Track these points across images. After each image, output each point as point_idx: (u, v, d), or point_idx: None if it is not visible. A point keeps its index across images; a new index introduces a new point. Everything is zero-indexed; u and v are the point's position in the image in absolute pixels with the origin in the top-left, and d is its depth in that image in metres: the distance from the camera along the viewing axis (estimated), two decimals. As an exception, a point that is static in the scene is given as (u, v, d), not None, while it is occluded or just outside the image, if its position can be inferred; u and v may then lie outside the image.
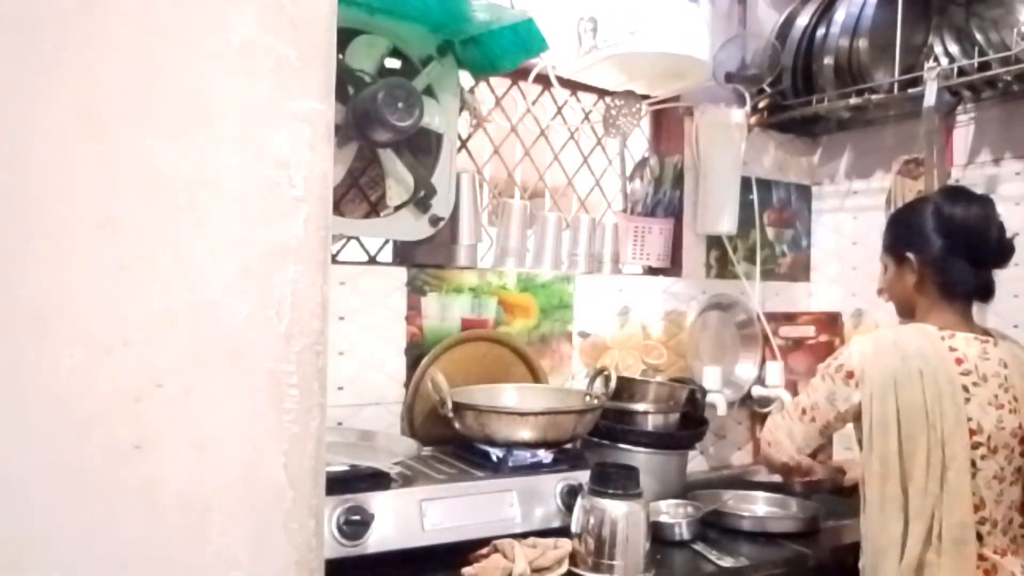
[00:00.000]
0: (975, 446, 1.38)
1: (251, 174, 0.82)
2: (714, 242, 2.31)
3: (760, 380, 2.27)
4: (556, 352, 2.01)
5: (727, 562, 1.49)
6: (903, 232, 1.56)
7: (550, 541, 1.40)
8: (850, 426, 1.54)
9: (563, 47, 1.92)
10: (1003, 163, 2.06)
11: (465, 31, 1.66)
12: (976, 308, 1.53)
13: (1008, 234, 1.50)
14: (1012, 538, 1.41)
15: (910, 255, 1.51)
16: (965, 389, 1.39)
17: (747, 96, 2.17)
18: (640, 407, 1.84)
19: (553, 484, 1.51)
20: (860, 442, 1.50)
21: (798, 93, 2.22)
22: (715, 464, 2.31)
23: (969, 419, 1.38)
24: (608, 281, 2.12)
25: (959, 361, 1.41)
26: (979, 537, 1.37)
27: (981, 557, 1.36)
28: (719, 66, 2.11)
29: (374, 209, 1.79)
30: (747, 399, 2.29)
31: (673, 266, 2.25)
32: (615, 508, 1.39)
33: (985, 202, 1.49)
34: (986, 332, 1.49)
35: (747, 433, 2.37)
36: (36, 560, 0.72)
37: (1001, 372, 1.42)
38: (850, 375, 1.46)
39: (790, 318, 2.39)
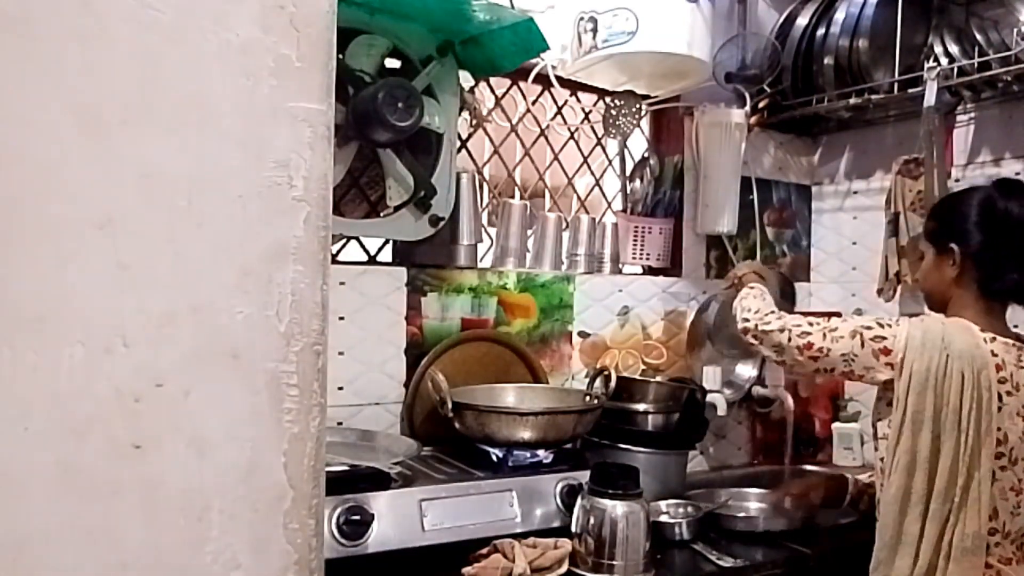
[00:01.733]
0: (997, 456, 1.34)
1: (251, 174, 0.82)
2: (714, 242, 2.30)
3: (760, 380, 2.27)
4: (556, 352, 2.01)
5: (727, 562, 1.49)
6: (949, 221, 1.46)
7: (550, 541, 1.40)
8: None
9: (563, 47, 1.92)
10: (1003, 163, 2.06)
11: (465, 31, 1.66)
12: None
13: None
14: (1019, 546, 1.38)
15: (953, 246, 1.43)
16: (999, 397, 1.34)
17: (747, 96, 2.17)
18: (640, 407, 1.84)
19: (553, 484, 1.51)
20: (874, 424, 1.47)
21: (798, 93, 2.21)
22: (715, 464, 2.31)
23: (998, 428, 1.34)
24: (608, 281, 2.12)
25: (998, 368, 1.35)
26: (987, 547, 1.34)
27: (986, 565, 1.34)
28: (719, 66, 2.11)
29: (374, 209, 1.79)
30: (747, 399, 2.28)
31: (673, 266, 2.25)
32: (615, 508, 1.39)
33: None
34: (1019, 338, 1.42)
35: (747, 433, 2.37)
36: (36, 560, 0.72)
37: None
38: (886, 352, 1.39)
39: (790, 318, 2.38)
